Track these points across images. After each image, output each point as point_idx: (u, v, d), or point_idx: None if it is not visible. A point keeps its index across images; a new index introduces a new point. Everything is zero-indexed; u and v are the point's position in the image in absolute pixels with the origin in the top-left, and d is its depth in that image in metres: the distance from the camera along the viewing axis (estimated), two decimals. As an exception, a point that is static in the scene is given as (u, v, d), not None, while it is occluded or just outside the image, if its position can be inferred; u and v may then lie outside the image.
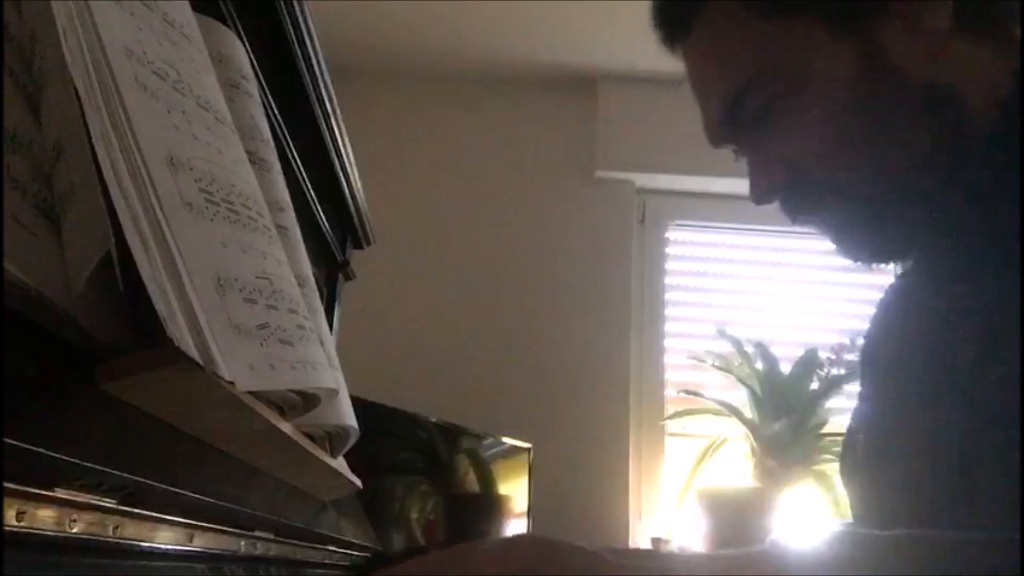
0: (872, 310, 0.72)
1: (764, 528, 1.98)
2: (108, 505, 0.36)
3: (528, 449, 2.19)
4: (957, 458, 0.50)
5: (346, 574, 0.86)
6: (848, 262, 0.66)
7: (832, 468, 2.09)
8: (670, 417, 2.43)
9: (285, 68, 0.94)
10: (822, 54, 0.58)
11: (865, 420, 0.66)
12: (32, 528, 0.31)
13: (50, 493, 0.32)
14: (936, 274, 0.62)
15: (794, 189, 0.62)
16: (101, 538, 0.36)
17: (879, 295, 0.73)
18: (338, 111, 1.08)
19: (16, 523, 0.30)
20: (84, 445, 0.34)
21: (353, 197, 1.25)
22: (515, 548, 0.45)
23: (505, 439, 2.16)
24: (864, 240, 0.62)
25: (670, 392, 2.50)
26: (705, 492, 2.10)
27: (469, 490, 2.06)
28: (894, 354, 0.64)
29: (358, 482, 0.86)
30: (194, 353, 0.39)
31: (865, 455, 0.64)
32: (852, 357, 2.14)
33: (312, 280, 0.78)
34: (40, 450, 0.30)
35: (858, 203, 0.59)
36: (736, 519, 2.00)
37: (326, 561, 0.79)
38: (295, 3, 0.88)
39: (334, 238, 1.23)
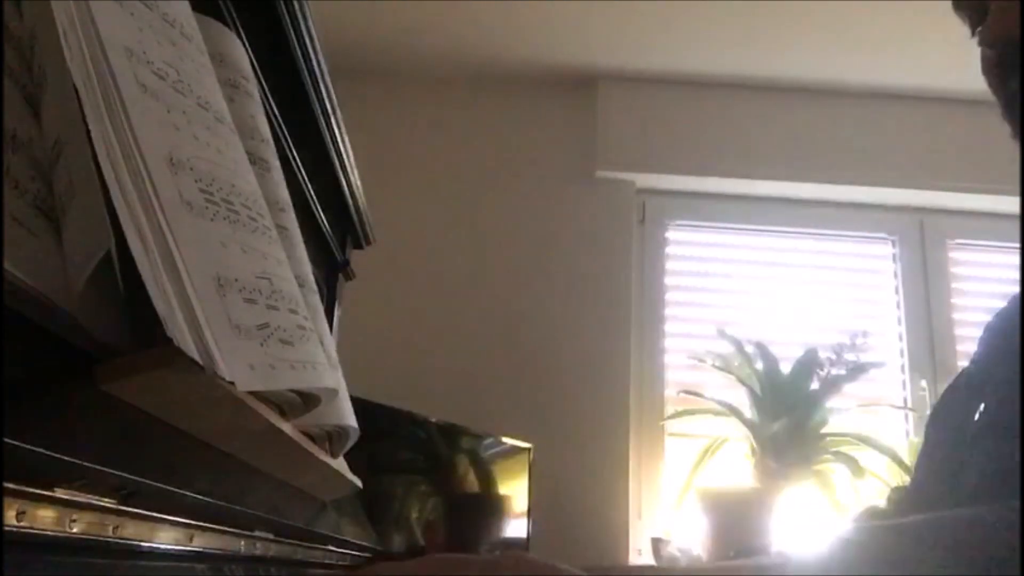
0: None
1: (764, 528, 1.98)
2: (108, 505, 0.36)
3: (528, 449, 2.19)
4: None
5: (346, 574, 0.86)
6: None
7: (831, 468, 2.09)
8: (670, 417, 2.43)
9: (285, 68, 0.94)
10: None
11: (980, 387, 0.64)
12: (32, 528, 0.31)
13: (50, 493, 0.32)
14: None
15: (1014, 48, 0.61)
16: (101, 538, 0.36)
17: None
18: (338, 111, 1.08)
19: (16, 523, 0.30)
20: (84, 445, 0.34)
21: (353, 197, 1.25)
22: (499, 567, 0.44)
23: (505, 439, 2.16)
24: None
25: (670, 392, 2.50)
26: (705, 492, 2.10)
27: (469, 490, 2.06)
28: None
29: (358, 482, 0.86)
30: (194, 353, 0.39)
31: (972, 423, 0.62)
32: (852, 357, 2.14)
33: (312, 280, 0.78)
34: (40, 450, 0.30)
35: None
36: (736, 519, 2.00)
37: (326, 561, 0.79)
38: (295, 3, 0.88)
39: (334, 238, 1.23)
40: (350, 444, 0.78)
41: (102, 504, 0.36)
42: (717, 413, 2.21)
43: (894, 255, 2.65)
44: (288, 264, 0.59)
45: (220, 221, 0.49)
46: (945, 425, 0.68)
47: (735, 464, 2.20)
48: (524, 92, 2.71)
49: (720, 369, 2.25)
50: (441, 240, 2.56)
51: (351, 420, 0.74)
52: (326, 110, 1.04)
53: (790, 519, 2.04)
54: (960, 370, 0.70)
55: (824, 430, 2.13)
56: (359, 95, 2.51)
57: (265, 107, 0.82)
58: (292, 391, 0.55)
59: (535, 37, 2.52)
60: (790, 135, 2.63)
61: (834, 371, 2.13)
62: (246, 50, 0.77)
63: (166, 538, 0.43)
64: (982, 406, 0.62)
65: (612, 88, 2.67)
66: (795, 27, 2.39)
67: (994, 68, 0.63)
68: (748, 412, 2.16)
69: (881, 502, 1.73)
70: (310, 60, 0.96)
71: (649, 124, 2.65)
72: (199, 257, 0.44)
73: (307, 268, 0.77)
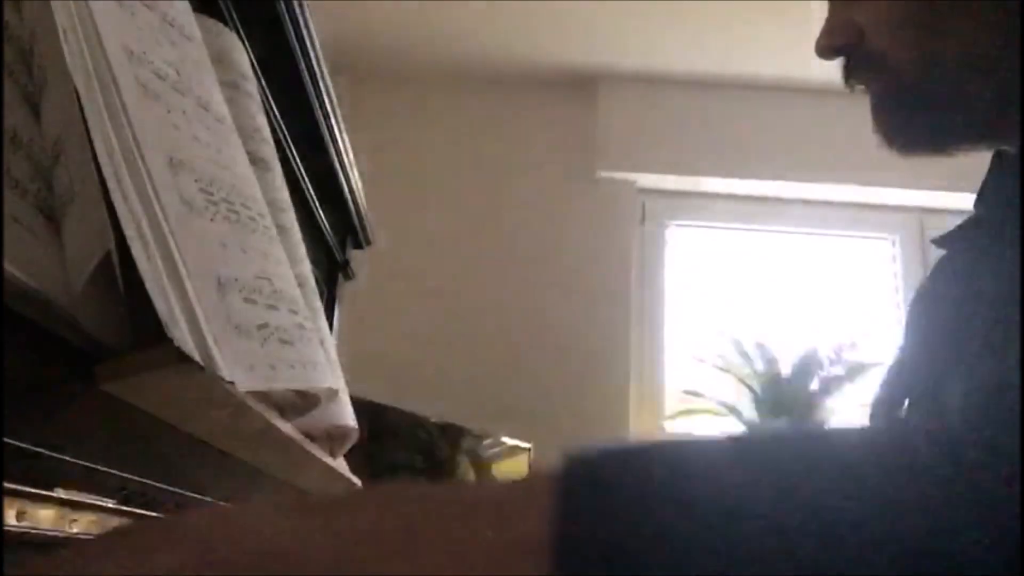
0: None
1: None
2: (108, 505, 0.36)
3: (528, 449, 2.19)
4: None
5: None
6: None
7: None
8: (670, 417, 2.43)
9: (285, 68, 0.94)
10: None
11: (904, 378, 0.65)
12: (32, 528, 0.31)
13: (50, 493, 0.32)
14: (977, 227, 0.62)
15: (851, 55, 0.63)
16: (101, 538, 0.36)
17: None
18: (338, 111, 1.08)
19: (16, 523, 0.30)
20: (84, 445, 0.34)
21: (353, 197, 1.25)
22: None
23: (505, 439, 2.16)
24: (895, 124, 0.62)
25: (670, 392, 2.50)
26: (705, 492, 2.10)
27: (469, 490, 2.06)
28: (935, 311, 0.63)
29: (358, 482, 0.86)
30: (194, 353, 0.39)
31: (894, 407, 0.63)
32: (852, 357, 2.14)
33: (312, 280, 0.78)
34: (40, 450, 0.30)
35: (902, 84, 0.60)
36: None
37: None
38: (295, 3, 0.88)
39: (334, 238, 1.23)
40: (350, 444, 0.78)
41: (102, 504, 0.36)
42: (717, 413, 2.21)
43: (894, 255, 2.65)
44: (288, 264, 0.59)
45: (220, 221, 0.49)
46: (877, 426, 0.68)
47: (735, 464, 2.20)
48: (524, 92, 2.71)
49: (720, 369, 2.25)
50: (441, 240, 2.56)
51: (351, 420, 0.74)
52: (326, 110, 1.04)
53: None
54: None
55: (824, 430, 2.13)
56: (359, 95, 2.51)
57: (265, 107, 0.82)
58: (292, 391, 0.55)
59: (535, 37, 2.52)
60: (790, 135, 2.63)
61: (834, 371, 2.13)
62: (246, 50, 0.77)
63: (166, 538, 0.43)
64: (906, 403, 0.63)
65: (612, 88, 2.67)
66: (795, 27, 2.39)
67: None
68: (748, 412, 2.16)
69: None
70: (310, 60, 0.96)
71: (649, 124, 2.65)
72: (199, 257, 0.44)
73: (307, 268, 0.77)
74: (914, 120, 0.61)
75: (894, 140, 0.63)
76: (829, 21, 0.65)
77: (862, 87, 0.64)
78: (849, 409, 2.21)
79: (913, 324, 0.69)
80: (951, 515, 0.25)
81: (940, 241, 0.67)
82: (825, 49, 0.64)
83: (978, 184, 0.67)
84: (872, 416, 0.70)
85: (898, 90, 0.60)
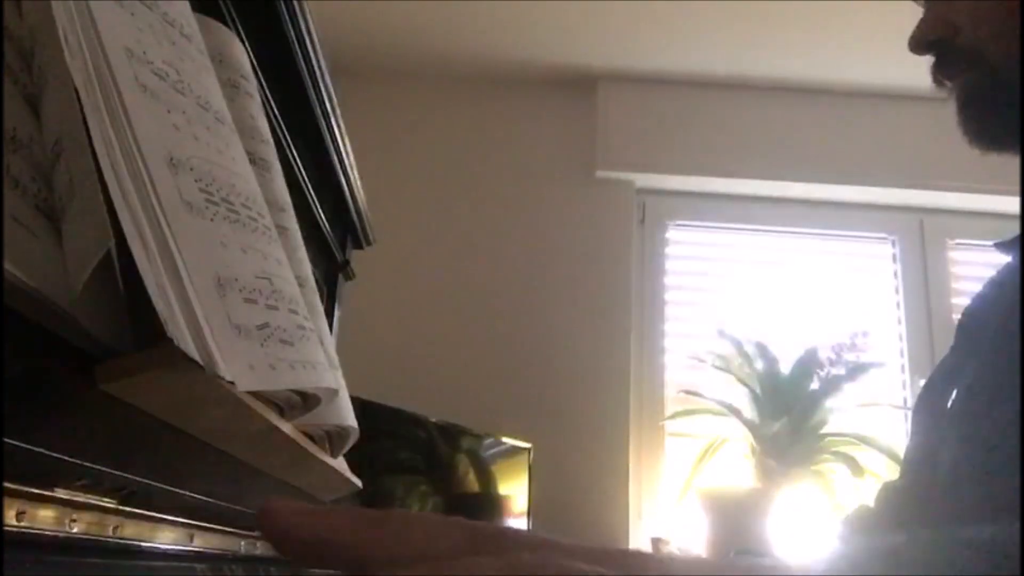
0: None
1: (764, 528, 1.98)
2: (108, 505, 0.36)
3: (528, 449, 2.19)
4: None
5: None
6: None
7: (831, 468, 2.09)
8: (670, 417, 2.43)
9: (285, 68, 0.94)
10: None
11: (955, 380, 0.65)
12: (32, 528, 0.31)
13: (50, 493, 0.32)
14: None
15: (943, 49, 0.63)
16: (101, 538, 0.36)
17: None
18: (338, 111, 1.08)
19: (16, 523, 0.30)
20: (84, 445, 0.34)
21: (353, 197, 1.25)
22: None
23: (505, 439, 2.16)
24: (987, 119, 0.63)
25: (670, 392, 2.50)
26: (705, 492, 2.10)
27: (469, 490, 2.06)
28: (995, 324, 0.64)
29: (358, 482, 0.86)
30: (194, 353, 0.39)
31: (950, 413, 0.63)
32: (852, 357, 2.14)
33: (312, 280, 0.78)
34: (40, 450, 0.30)
35: (997, 80, 0.60)
36: (736, 519, 2.00)
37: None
38: (295, 3, 0.88)
39: (334, 238, 1.23)
40: (350, 444, 0.78)
41: (102, 504, 0.36)
42: (717, 413, 2.21)
43: (894, 255, 2.66)
44: (288, 264, 0.59)
45: (220, 221, 0.49)
46: (923, 416, 0.69)
47: (735, 464, 2.20)
48: (524, 92, 2.71)
49: (720, 369, 2.25)
50: (441, 240, 2.56)
51: (351, 420, 0.74)
52: (326, 110, 1.04)
53: (790, 519, 2.04)
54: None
55: (824, 430, 2.13)
56: (359, 95, 2.51)
57: (265, 107, 0.82)
58: (292, 391, 0.55)
59: (535, 37, 2.52)
60: (790, 135, 2.63)
61: (834, 371, 2.13)
62: (246, 50, 0.77)
63: (166, 538, 0.43)
64: (955, 393, 0.63)
65: (612, 88, 2.67)
66: (795, 27, 2.39)
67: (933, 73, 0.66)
68: (748, 412, 2.16)
69: (871, 501, 1.75)
70: (310, 60, 0.96)
71: (649, 124, 2.65)
72: (199, 257, 0.44)
73: (307, 268, 0.77)
74: (1008, 116, 0.61)
75: (983, 136, 0.64)
76: (925, 16, 0.65)
77: (950, 84, 0.64)
78: (849, 409, 2.21)
79: (969, 323, 0.69)
80: None
81: (1003, 246, 0.68)
82: (919, 43, 0.65)
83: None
84: (918, 402, 0.70)
85: (992, 85, 0.61)
